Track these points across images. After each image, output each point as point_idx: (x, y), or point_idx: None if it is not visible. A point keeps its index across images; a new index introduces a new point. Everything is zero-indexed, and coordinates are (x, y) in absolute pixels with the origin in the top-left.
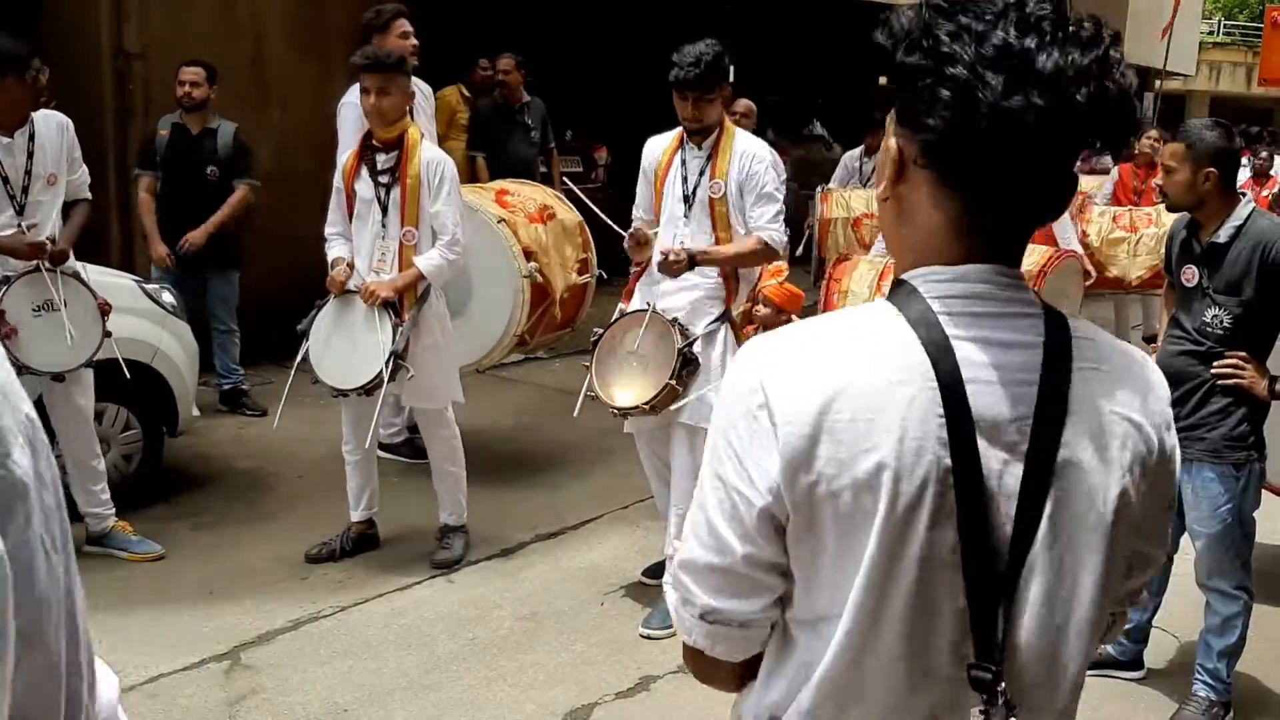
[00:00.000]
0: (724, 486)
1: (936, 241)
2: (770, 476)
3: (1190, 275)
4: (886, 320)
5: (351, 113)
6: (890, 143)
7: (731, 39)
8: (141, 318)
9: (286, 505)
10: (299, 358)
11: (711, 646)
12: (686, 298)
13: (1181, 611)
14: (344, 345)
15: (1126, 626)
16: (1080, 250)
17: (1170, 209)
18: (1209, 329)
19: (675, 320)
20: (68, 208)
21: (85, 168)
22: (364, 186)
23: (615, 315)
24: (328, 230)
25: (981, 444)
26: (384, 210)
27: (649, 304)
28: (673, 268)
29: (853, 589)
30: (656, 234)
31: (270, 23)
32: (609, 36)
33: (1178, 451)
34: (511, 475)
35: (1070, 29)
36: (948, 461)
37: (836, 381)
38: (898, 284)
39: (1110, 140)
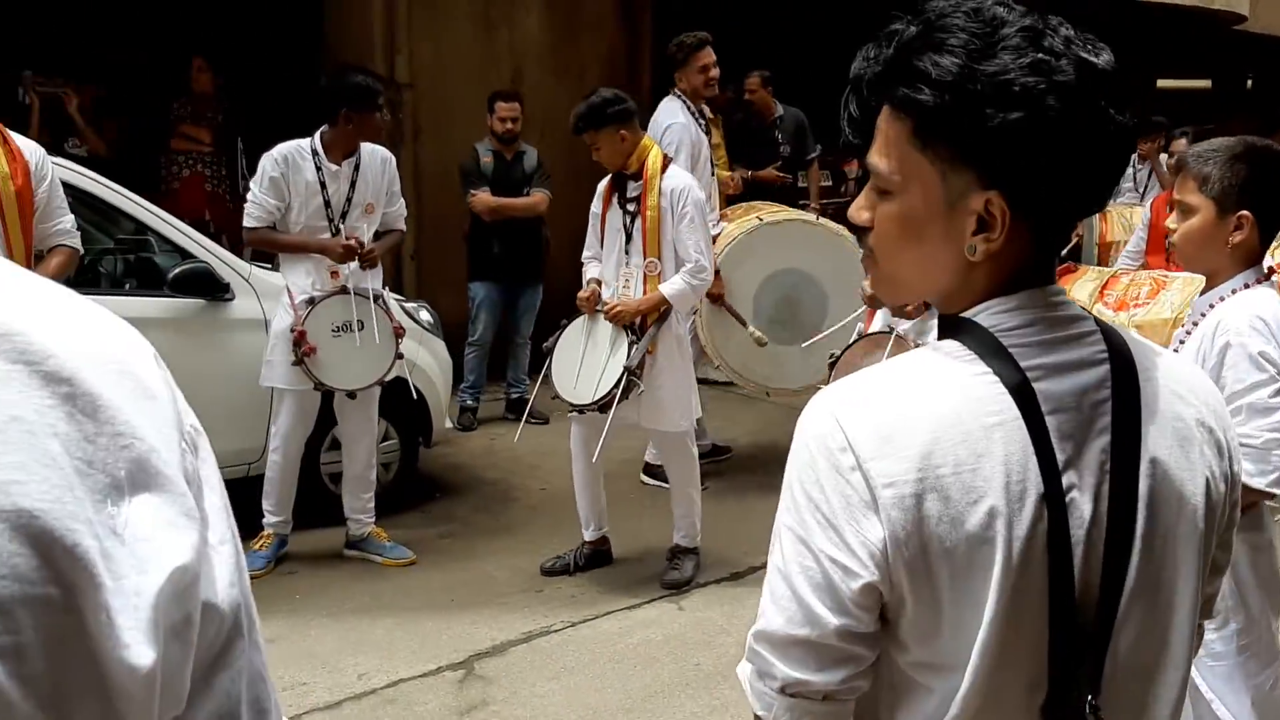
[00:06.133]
0: (812, 554)
1: (992, 277)
2: (872, 544)
3: None
4: (960, 360)
5: (680, 133)
6: (975, 205)
7: None
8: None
9: (528, 517)
10: (541, 374)
11: None
12: (930, 320)
13: None
14: (584, 363)
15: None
16: None
17: None
18: None
19: (919, 347)
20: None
21: (403, 201)
22: (614, 215)
23: (854, 337)
24: (585, 254)
25: (1070, 475)
26: (628, 237)
27: (890, 327)
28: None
29: (978, 640)
30: None
31: (529, 51)
32: (855, 49)
33: (1238, 449)
34: (746, 496)
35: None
36: (1045, 501)
37: (931, 431)
38: (956, 321)
39: None
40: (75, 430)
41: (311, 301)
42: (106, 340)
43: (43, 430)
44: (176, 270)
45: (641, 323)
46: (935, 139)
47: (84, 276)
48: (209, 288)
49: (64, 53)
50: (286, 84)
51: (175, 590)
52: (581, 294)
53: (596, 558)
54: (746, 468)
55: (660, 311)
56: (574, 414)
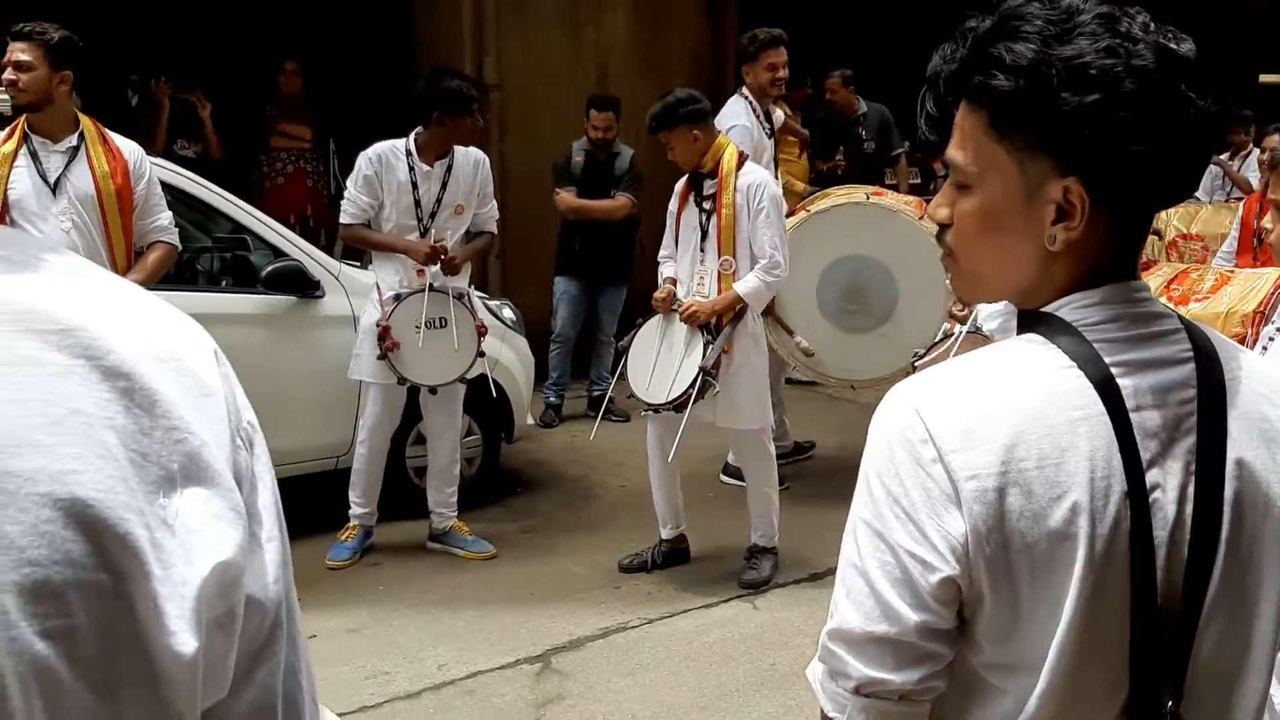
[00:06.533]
0: (889, 548)
1: (1072, 269)
2: (953, 538)
3: None
4: (1043, 353)
5: (741, 135)
6: (1054, 193)
7: None
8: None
9: (608, 514)
10: (617, 373)
11: None
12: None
13: None
14: (659, 362)
15: None
16: None
17: None
18: None
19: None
20: (471, 239)
21: (494, 203)
22: (689, 213)
23: (939, 334)
24: (661, 254)
25: (1154, 474)
26: (703, 235)
27: (978, 326)
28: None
29: (1056, 640)
30: None
31: (615, 50)
32: (940, 43)
33: None
34: (827, 498)
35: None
36: (1128, 498)
37: (1015, 424)
38: (1036, 316)
39: None
40: (132, 423)
41: (398, 298)
42: (167, 336)
43: (100, 423)
44: (269, 268)
45: (717, 322)
46: (1011, 127)
47: (182, 274)
48: (300, 285)
49: (166, 58)
50: (377, 85)
51: (219, 583)
52: (657, 294)
53: (674, 556)
54: (828, 469)
55: (735, 311)
56: (649, 413)
